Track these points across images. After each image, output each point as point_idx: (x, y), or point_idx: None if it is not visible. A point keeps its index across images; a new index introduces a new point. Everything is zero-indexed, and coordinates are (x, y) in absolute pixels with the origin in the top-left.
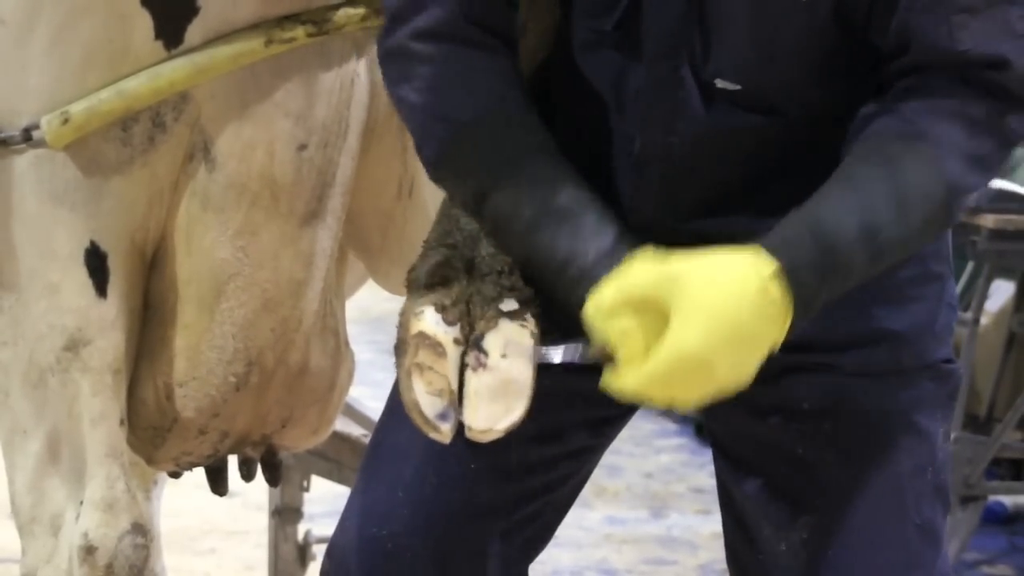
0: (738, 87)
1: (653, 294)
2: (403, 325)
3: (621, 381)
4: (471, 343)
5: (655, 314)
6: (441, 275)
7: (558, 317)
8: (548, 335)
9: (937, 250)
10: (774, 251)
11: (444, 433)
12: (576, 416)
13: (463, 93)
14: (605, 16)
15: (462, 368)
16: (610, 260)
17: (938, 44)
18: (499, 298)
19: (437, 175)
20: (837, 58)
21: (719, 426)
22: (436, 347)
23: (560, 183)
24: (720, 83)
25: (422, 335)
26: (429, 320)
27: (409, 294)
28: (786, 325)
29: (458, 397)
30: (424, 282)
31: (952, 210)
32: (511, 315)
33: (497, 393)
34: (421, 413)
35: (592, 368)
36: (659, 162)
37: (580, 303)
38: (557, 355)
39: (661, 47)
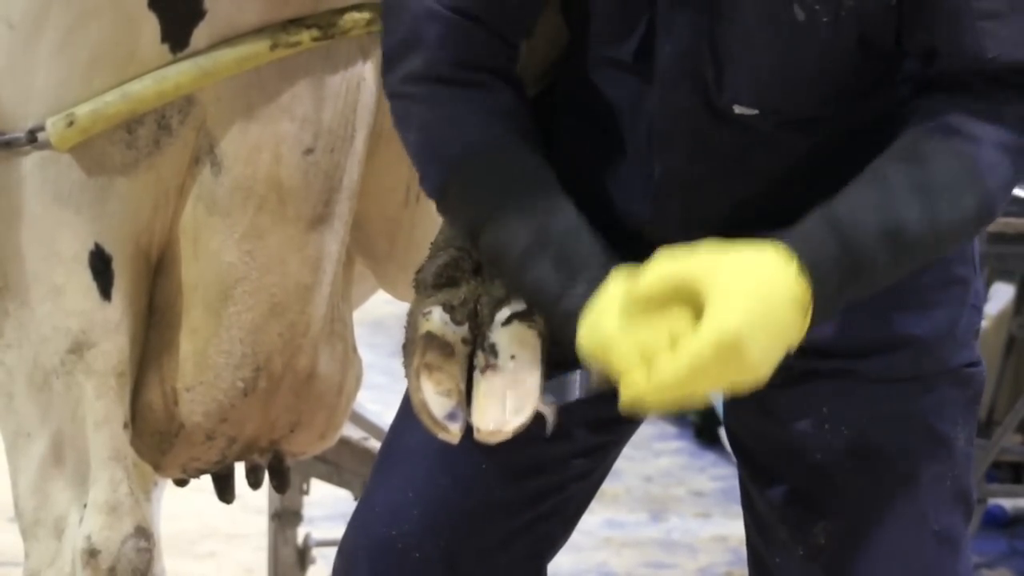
0: (756, 111)
1: (688, 283)
2: (411, 325)
3: (634, 391)
4: (479, 344)
5: (658, 322)
6: (449, 276)
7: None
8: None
9: (961, 253)
10: (795, 247)
11: (453, 433)
12: (585, 415)
13: (451, 133)
14: (622, 46)
15: (470, 368)
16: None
17: (965, 52)
18: (507, 299)
19: (439, 209)
20: (860, 76)
21: (740, 428)
22: (444, 347)
23: (549, 215)
24: (738, 109)
25: (430, 335)
26: (437, 320)
27: (417, 294)
28: (806, 322)
29: (466, 397)
30: (432, 283)
31: (986, 208)
32: (519, 316)
33: (505, 394)
34: (430, 413)
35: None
36: (680, 188)
37: (572, 338)
38: (564, 394)
39: (673, 77)
